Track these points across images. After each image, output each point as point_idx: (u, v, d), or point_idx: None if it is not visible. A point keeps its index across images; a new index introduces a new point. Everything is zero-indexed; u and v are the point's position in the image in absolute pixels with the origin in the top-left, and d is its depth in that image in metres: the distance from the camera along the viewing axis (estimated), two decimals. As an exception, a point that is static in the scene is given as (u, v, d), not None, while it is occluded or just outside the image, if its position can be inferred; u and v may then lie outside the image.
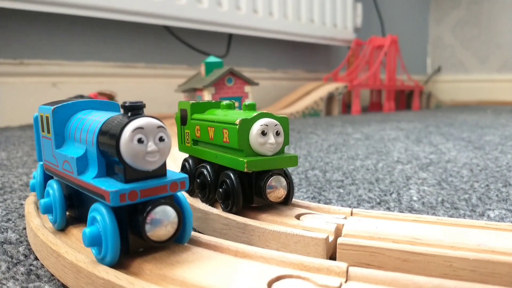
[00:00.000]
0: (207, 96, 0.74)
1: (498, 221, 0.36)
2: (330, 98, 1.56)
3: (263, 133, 0.31)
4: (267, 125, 0.31)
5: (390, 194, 0.45)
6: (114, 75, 1.27)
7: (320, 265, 0.22)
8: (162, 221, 0.23)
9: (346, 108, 1.69)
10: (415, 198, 0.43)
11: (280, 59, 1.76)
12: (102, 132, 0.24)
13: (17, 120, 1.10)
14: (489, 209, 0.39)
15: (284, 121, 0.32)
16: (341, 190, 0.47)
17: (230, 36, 1.52)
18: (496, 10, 2.34)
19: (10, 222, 0.37)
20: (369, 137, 0.92)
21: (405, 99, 1.92)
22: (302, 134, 0.99)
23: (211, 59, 0.80)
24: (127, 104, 0.23)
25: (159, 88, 1.35)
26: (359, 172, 0.56)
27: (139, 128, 0.23)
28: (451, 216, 0.38)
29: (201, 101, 0.37)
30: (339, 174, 0.55)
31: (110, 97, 1.02)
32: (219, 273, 0.22)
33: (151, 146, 0.23)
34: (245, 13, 1.44)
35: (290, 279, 0.22)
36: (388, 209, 0.40)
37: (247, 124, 0.31)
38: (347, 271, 0.22)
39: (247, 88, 0.76)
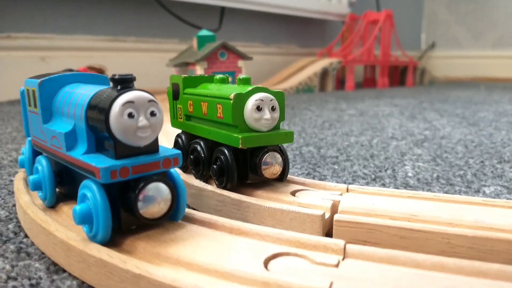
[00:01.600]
0: (199, 71, 0.72)
1: (494, 198, 0.36)
2: (324, 74, 1.54)
3: (258, 108, 0.30)
4: (262, 100, 0.30)
5: (385, 170, 0.45)
6: (104, 49, 1.24)
7: (317, 243, 0.22)
8: (155, 198, 0.22)
9: (340, 84, 1.67)
10: (410, 174, 0.43)
11: (273, 33, 1.74)
12: (91, 106, 0.23)
13: (6, 95, 1.07)
14: (485, 186, 0.39)
15: (279, 96, 0.31)
16: (336, 167, 0.47)
17: (223, 10, 1.49)
18: (492, -15, 2.31)
19: (0, 199, 0.36)
20: (363, 113, 0.91)
21: (399, 75, 1.90)
22: (296, 110, 0.98)
23: (204, 32, 0.78)
24: (116, 77, 0.22)
25: (150, 62, 1.32)
26: (353, 148, 0.56)
27: (130, 102, 0.22)
28: (446, 192, 0.37)
29: (193, 75, 0.36)
30: (334, 150, 0.55)
31: (100, 71, 1.00)
32: (214, 251, 0.22)
33: (142, 121, 0.22)
34: (238, -15, 1.41)
35: (287, 256, 0.21)
36: (384, 185, 0.40)
37: (241, 99, 0.30)
38: (344, 249, 0.21)
39: (241, 63, 0.75)
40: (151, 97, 0.22)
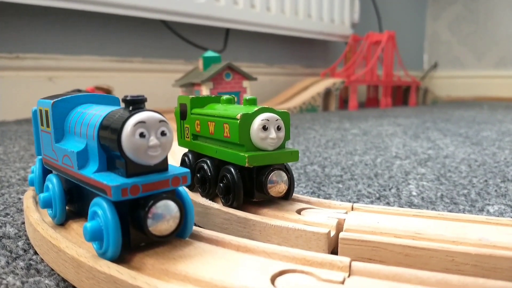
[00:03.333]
0: (205, 91, 0.73)
1: (498, 216, 0.36)
2: (327, 94, 1.55)
3: (264, 128, 0.30)
4: (268, 120, 0.31)
5: (390, 189, 0.45)
6: (110, 70, 1.26)
7: (323, 260, 0.22)
8: (164, 215, 0.23)
9: (343, 103, 1.69)
10: (414, 193, 0.43)
11: (277, 54, 1.76)
12: (103, 126, 0.24)
13: (13, 115, 1.09)
14: (488, 204, 0.40)
15: (285, 116, 0.32)
16: (340, 185, 0.47)
17: (228, 31, 1.51)
18: (493, 6, 2.34)
19: (8, 216, 0.36)
20: (367, 132, 0.92)
21: (401, 95, 1.92)
22: (300, 129, 0.98)
23: (209, 53, 0.80)
24: (128, 98, 0.23)
25: (156, 83, 1.34)
26: (357, 167, 0.56)
27: (141, 122, 0.22)
28: (450, 211, 0.38)
29: (201, 96, 0.37)
30: (338, 169, 0.55)
31: (107, 91, 1.01)
32: (221, 268, 0.22)
33: (153, 140, 0.23)
34: (243, 7, 1.44)
35: (293, 273, 0.21)
36: (388, 204, 0.40)
37: (248, 118, 0.31)
38: (350, 266, 0.22)
39: (245, 83, 0.76)
40: (161, 117, 0.23)
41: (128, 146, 0.22)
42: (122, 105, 0.24)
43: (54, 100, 0.28)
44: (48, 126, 0.29)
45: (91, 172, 0.24)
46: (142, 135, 0.22)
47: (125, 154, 0.22)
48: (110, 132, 0.23)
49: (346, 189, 0.45)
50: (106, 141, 0.24)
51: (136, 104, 0.23)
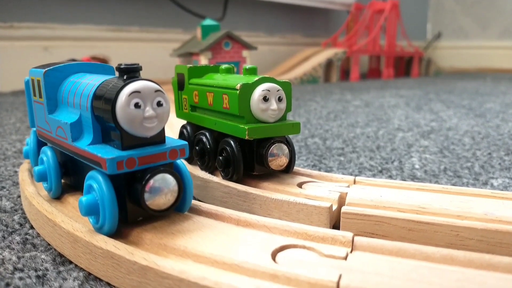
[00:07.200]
0: (203, 61, 0.72)
1: (502, 190, 0.36)
2: (328, 64, 1.53)
3: (265, 99, 0.29)
4: (269, 91, 0.30)
5: (392, 162, 0.44)
6: (107, 39, 1.24)
7: (325, 235, 0.22)
8: (161, 189, 0.22)
9: (345, 74, 1.66)
10: (417, 166, 0.43)
11: (278, 23, 1.72)
12: (97, 96, 0.23)
13: (9, 86, 1.07)
14: (492, 178, 0.39)
15: (286, 87, 0.31)
16: (342, 158, 0.46)
17: (227, -1, 1.47)
18: (500, -26, 2.28)
19: (4, 190, 0.36)
20: (369, 104, 0.91)
21: (404, 66, 1.89)
22: (301, 101, 0.97)
23: (208, 22, 0.78)
24: (122, 66, 0.22)
25: (153, 52, 1.32)
26: (359, 140, 0.55)
27: (136, 92, 0.21)
28: (454, 185, 0.37)
29: (199, 65, 0.36)
30: (339, 141, 0.55)
31: (104, 61, 0.99)
32: (221, 243, 0.21)
33: (148, 111, 0.22)
34: (242, -25, 1.40)
35: (294, 249, 0.21)
36: (390, 177, 0.39)
37: (248, 89, 0.29)
38: (352, 241, 0.21)
39: (245, 53, 0.74)
40: (157, 87, 0.22)
41: (123, 117, 0.21)
42: (117, 74, 0.23)
43: (46, 69, 0.27)
44: (40, 96, 0.27)
45: (85, 145, 0.23)
46: (137, 105, 0.21)
47: (120, 126, 0.22)
48: (104, 102, 0.22)
49: (347, 162, 0.45)
50: (100, 112, 0.23)
51: (130, 72, 0.22)
